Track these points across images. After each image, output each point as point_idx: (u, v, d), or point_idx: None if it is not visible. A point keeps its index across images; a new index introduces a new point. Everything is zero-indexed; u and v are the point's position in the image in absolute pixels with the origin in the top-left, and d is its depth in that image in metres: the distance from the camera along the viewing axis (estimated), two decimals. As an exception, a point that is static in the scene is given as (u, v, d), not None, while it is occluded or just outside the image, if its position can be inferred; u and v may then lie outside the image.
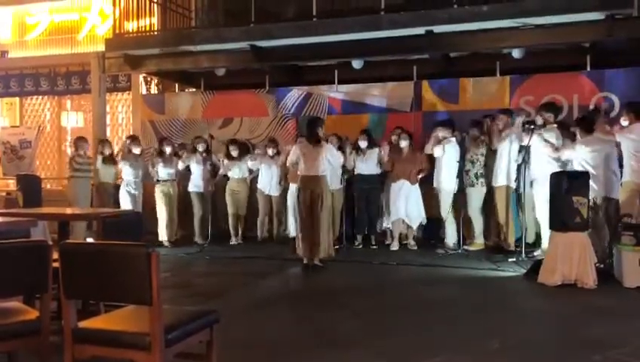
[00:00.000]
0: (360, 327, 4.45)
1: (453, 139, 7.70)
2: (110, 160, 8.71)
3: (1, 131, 11.60)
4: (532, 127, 6.82)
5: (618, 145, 6.38)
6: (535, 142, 6.83)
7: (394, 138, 8.19)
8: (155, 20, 9.78)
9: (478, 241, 7.77)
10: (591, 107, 7.81)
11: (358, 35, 8.14)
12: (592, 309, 4.94)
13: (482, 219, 7.77)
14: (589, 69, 8.27)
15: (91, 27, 11.24)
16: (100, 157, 8.62)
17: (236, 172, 8.74)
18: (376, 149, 8.13)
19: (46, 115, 12.06)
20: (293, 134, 9.30)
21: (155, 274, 2.50)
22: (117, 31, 9.43)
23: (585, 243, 5.71)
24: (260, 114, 9.76)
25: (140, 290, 2.51)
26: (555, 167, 6.64)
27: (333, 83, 9.37)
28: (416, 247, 8.02)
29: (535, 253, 7.07)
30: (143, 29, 9.64)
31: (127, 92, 11.21)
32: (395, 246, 8.02)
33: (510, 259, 6.91)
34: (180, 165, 8.71)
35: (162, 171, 8.60)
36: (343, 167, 7.81)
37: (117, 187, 8.71)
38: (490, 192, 7.63)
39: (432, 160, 7.97)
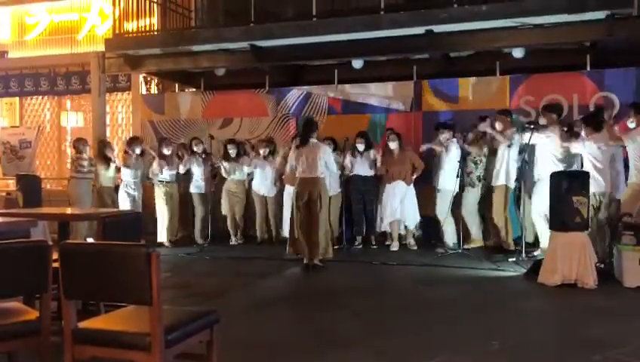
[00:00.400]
0: (360, 327, 4.45)
1: (455, 139, 7.71)
2: (113, 167, 8.66)
3: (1, 131, 11.59)
4: (532, 126, 6.82)
5: (624, 146, 6.40)
6: (542, 141, 6.81)
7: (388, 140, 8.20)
8: (155, 20, 9.76)
9: (476, 239, 7.78)
10: (591, 107, 7.81)
11: (358, 34, 8.14)
12: (592, 309, 4.94)
13: (478, 219, 7.79)
14: (589, 68, 8.26)
15: (91, 27, 11.25)
16: (102, 169, 8.56)
17: (235, 174, 8.71)
18: (372, 151, 8.13)
19: (46, 115, 12.07)
20: (293, 134, 9.28)
21: (155, 275, 2.50)
22: (117, 31, 9.41)
23: (585, 243, 5.71)
24: (260, 114, 9.75)
25: (140, 290, 2.51)
26: (561, 168, 6.62)
27: (333, 83, 9.37)
28: (416, 247, 8.03)
29: (535, 253, 7.08)
30: (143, 29, 9.63)
31: (127, 92, 11.20)
32: (395, 247, 8.01)
33: (510, 259, 6.92)
34: (182, 169, 8.68)
35: (164, 172, 8.57)
36: (342, 168, 7.80)
37: (117, 188, 8.70)
38: (489, 192, 7.64)
39: (425, 159, 8.00)
